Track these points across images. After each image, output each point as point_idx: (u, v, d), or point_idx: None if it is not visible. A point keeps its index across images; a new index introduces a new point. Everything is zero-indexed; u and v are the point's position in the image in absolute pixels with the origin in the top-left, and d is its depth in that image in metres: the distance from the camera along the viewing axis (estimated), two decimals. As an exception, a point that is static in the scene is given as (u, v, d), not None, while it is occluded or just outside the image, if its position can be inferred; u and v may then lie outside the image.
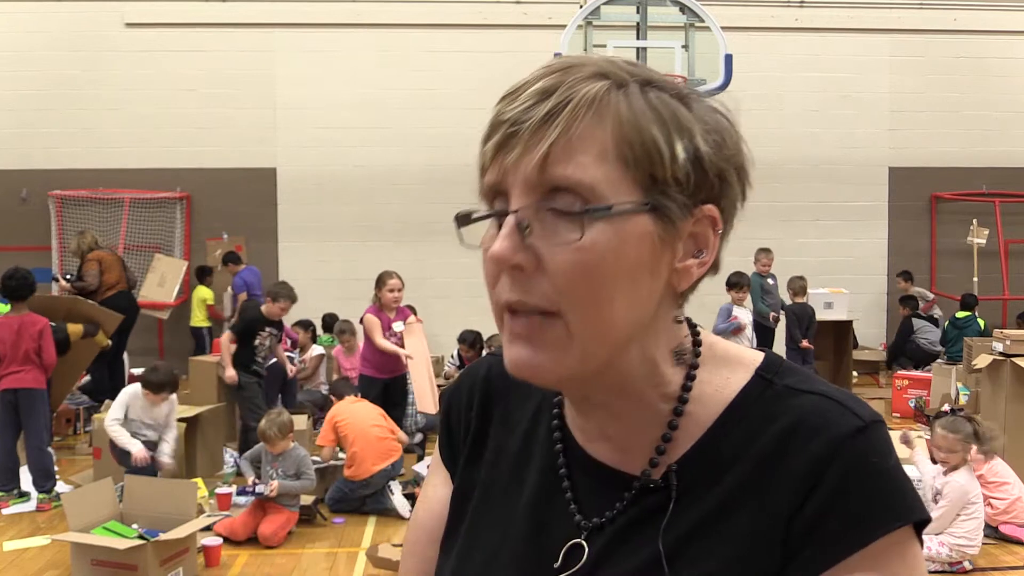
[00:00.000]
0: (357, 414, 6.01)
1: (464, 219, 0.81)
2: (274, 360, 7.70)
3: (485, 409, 0.97)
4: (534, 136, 0.73)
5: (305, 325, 9.28)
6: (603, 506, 0.84)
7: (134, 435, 5.79)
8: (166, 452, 5.93)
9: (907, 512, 0.76)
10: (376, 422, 6.04)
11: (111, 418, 5.82)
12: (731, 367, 0.86)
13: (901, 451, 5.28)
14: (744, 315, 8.42)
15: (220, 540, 5.07)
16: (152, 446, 5.87)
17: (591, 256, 0.73)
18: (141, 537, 4.50)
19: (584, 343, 0.75)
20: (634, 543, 0.81)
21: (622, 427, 0.84)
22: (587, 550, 0.83)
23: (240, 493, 5.88)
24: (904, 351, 10.34)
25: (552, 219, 0.74)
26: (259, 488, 5.49)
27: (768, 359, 0.86)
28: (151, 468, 5.74)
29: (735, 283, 8.30)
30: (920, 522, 0.77)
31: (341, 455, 6.09)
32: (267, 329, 6.85)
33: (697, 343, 0.86)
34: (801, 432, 0.78)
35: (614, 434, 0.85)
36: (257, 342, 6.77)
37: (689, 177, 0.76)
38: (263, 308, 6.94)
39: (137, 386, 5.92)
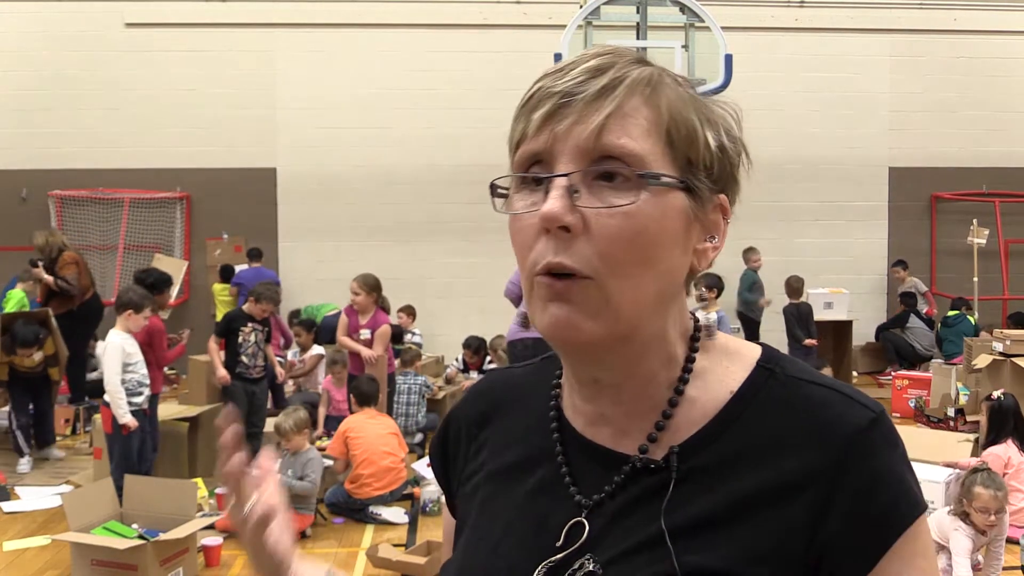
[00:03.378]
0: (371, 434, 5.90)
1: (503, 189, 0.84)
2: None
3: (485, 422, 0.99)
4: (589, 107, 0.78)
5: (308, 326, 9.13)
6: (602, 486, 0.85)
7: (140, 384, 5.64)
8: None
9: (921, 500, 0.80)
10: (388, 448, 5.94)
11: (113, 377, 5.49)
12: (730, 357, 0.88)
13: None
14: (703, 319, 8.15)
15: (220, 540, 5.07)
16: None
17: (636, 222, 0.77)
18: (141, 537, 4.50)
19: (618, 307, 0.78)
20: (634, 521, 0.82)
21: (623, 411, 0.86)
22: (587, 528, 0.84)
23: None
24: (893, 340, 10.41)
25: (599, 186, 0.78)
26: None
27: (767, 351, 0.89)
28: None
29: (699, 283, 7.68)
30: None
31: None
32: (249, 324, 6.64)
33: (697, 328, 0.89)
34: (815, 426, 0.80)
35: (614, 418, 0.86)
36: (240, 339, 6.59)
37: (713, 165, 0.82)
38: (245, 307, 6.85)
39: (117, 335, 5.62)
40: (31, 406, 7.13)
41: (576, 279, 0.77)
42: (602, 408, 0.87)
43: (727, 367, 0.87)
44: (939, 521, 4.38)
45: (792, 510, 0.77)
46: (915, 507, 0.79)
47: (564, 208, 0.77)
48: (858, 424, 0.79)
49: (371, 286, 6.84)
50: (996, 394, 5.76)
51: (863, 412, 0.80)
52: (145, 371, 5.76)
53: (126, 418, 5.48)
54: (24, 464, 6.87)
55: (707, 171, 0.81)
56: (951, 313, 10.13)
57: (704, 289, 7.81)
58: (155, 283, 6.39)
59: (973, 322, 9.85)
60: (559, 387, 0.94)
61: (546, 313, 0.79)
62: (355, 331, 6.89)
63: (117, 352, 5.53)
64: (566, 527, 0.85)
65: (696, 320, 0.89)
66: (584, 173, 0.78)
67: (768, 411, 0.82)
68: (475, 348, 9.27)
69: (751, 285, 10.03)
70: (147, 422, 5.78)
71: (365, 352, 6.71)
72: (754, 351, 0.89)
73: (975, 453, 5.44)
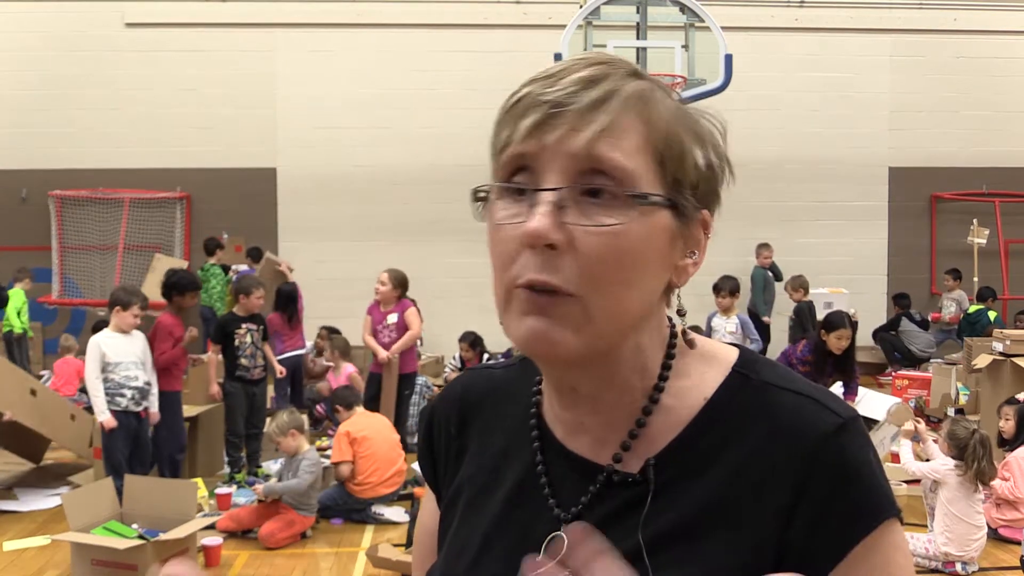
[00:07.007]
0: (376, 436, 5.78)
1: (483, 194, 0.82)
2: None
3: (464, 424, 0.99)
4: (581, 119, 0.76)
5: (332, 334, 8.75)
6: (579, 497, 0.85)
7: (121, 387, 5.57)
8: (155, 404, 5.77)
9: (891, 504, 0.80)
10: (392, 445, 5.88)
11: (89, 375, 5.57)
12: (706, 362, 0.87)
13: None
14: (722, 325, 7.28)
15: (220, 540, 5.07)
16: (143, 393, 5.69)
17: (624, 242, 0.76)
18: (141, 537, 4.50)
19: (600, 324, 0.77)
20: (612, 535, 0.80)
21: (601, 420, 0.85)
22: (566, 541, 0.83)
23: (228, 481, 5.88)
24: (891, 342, 10.42)
25: (587, 202, 0.76)
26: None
27: (743, 355, 0.88)
28: (143, 425, 5.67)
29: (718, 287, 7.19)
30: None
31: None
32: (243, 326, 6.59)
33: (673, 335, 0.88)
34: (784, 432, 0.80)
35: (592, 427, 0.86)
36: (237, 342, 6.54)
37: (700, 183, 0.80)
38: (236, 308, 6.81)
39: (102, 333, 5.65)
40: None
41: (559, 296, 0.76)
42: (581, 417, 0.86)
43: (703, 372, 0.86)
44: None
45: (763, 518, 0.78)
46: (885, 509, 0.79)
47: (551, 225, 0.75)
48: (825, 430, 0.79)
49: (399, 281, 6.90)
50: (1022, 396, 5.82)
51: (831, 418, 0.80)
52: (131, 372, 5.65)
53: (102, 416, 5.52)
54: None
55: (693, 189, 0.80)
56: (972, 309, 10.06)
57: (718, 296, 7.37)
58: (177, 284, 6.21)
59: (992, 317, 9.79)
60: (540, 392, 0.93)
61: (523, 325, 0.77)
62: (380, 321, 6.84)
63: (95, 350, 5.60)
64: (546, 540, 0.84)
65: (672, 326, 0.88)
66: (572, 188, 0.76)
67: (741, 418, 0.82)
68: (471, 342, 8.95)
69: (764, 284, 10.18)
70: (139, 425, 5.70)
71: (382, 354, 6.73)
72: (730, 355, 0.88)
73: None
